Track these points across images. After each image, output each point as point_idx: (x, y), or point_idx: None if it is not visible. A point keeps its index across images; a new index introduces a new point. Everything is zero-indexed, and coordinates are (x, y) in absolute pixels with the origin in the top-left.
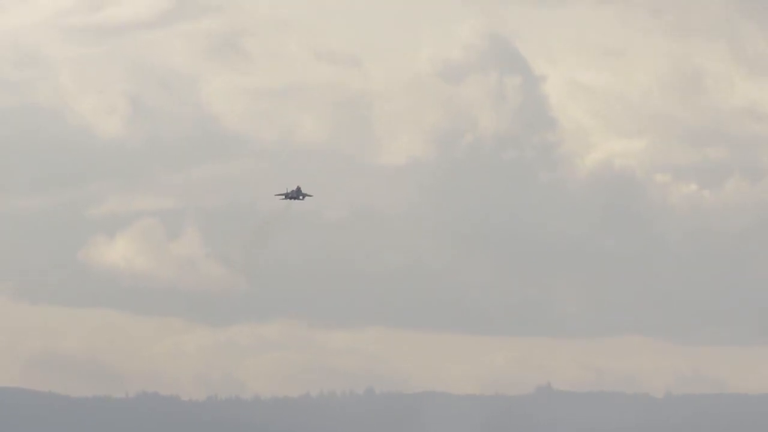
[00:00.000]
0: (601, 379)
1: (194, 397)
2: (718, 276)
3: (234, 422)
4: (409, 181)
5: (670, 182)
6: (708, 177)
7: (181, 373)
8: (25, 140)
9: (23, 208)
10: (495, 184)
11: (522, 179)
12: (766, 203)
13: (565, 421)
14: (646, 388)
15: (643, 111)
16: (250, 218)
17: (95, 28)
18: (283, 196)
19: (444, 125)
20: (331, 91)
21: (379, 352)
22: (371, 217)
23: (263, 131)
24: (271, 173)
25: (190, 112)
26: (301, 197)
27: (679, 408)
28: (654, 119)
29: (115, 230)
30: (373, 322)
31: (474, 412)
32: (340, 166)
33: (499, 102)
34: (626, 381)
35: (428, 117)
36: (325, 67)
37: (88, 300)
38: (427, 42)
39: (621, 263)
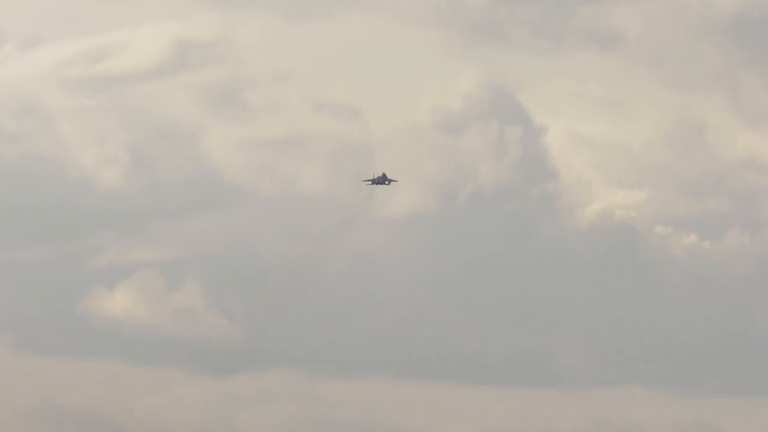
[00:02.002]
0: (602, 429)
1: None
2: (719, 327)
3: None
4: (409, 231)
5: (670, 233)
6: (709, 228)
7: (181, 424)
8: (24, 191)
9: (22, 259)
10: (495, 235)
11: (522, 230)
12: (767, 254)
13: None
14: None
15: (644, 162)
16: (251, 269)
17: (95, 79)
18: (370, 182)
19: (444, 176)
20: (331, 142)
21: (380, 403)
22: (371, 268)
23: (264, 182)
24: (272, 224)
25: (190, 163)
26: (386, 182)
27: None
28: (655, 170)
29: (115, 281)
30: (374, 373)
31: None
32: (341, 216)
33: (499, 153)
34: None
35: (428, 168)
36: (326, 118)
37: (88, 351)
38: (428, 93)
39: (621, 314)
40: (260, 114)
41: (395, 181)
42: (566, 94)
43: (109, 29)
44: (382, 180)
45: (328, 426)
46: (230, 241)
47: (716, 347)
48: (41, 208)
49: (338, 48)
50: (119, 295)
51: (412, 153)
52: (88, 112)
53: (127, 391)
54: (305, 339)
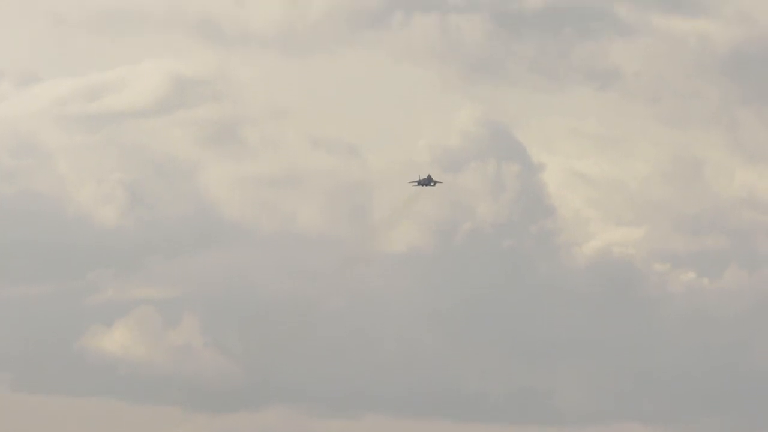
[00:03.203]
0: None
1: None
2: (717, 364)
3: None
4: (407, 269)
5: (668, 271)
6: (707, 265)
7: None
8: (21, 228)
9: (20, 296)
10: (493, 272)
11: (520, 267)
12: (765, 292)
13: None
14: None
15: (642, 199)
16: (249, 306)
17: (93, 116)
18: (416, 183)
19: (442, 213)
20: (329, 180)
21: None
22: (369, 305)
23: (261, 219)
24: (270, 261)
25: (188, 200)
26: (432, 184)
27: None
28: (653, 208)
29: (113, 318)
30: (372, 410)
31: None
32: (339, 254)
33: (497, 190)
34: None
35: (426, 206)
36: (324, 155)
37: (85, 389)
38: (425, 130)
39: (620, 351)
40: (258, 151)
41: (440, 182)
42: (564, 131)
43: (106, 66)
44: (428, 181)
45: None
46: (228, 278)
47: (715, 384)
48: (39, 245)
49: (336, 85)
50: (117, 333)
51: (410, 190)
52: (86, 149)
53: (125, 428)
54: (303, 376)
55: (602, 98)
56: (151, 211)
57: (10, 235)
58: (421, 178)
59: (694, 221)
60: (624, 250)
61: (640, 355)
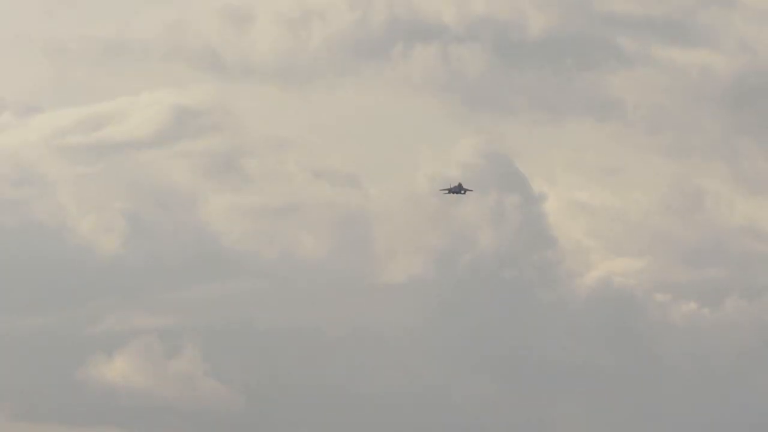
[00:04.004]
0: None
1: None
2: (718, 395)
3: None
4: (408, 299)
5: (669, 301)
6: (708, 296)
7: None
8: (23, 259)
9: (21, 327)
10: (495, 303)
11: (522, 298)
12: (766, 322)
13: None
14: None
15: (643, 230)
16: (250, 336)
17: (94, 146)
18: (447, 191)
19: (443, 244)
20: (330, 210)
21: None
22: (371, 336)
23: (262, 250)
24: (271, 292)
25: (188, 231)
26: (462, 192)
27: None
28: (653, 238)
29: (114, 348)
30: None
31: None
32: (339, 284)
33: (498, 221)
34: None
35: (427, 236)
36: (324, 186)
37: (87, 418)
38: (426, 161)
39: (620, 381)
40: (259, 181)
41: (470, 190)
42: (565, 162)
43: (107, 97)
44: (458, 189)
45: None
46: (229, 307)
47: (716, 414)
48: (40, 275)
49: (336, 116)
50: (118, 362)
51: (410, 220)
52: (87, 179)
53: None
54: (304, 406)
55: (603, 129)
56: (152, 241)
57: (11, 265)
58: (452, 186)
59: (695, 251)
60: (625, 280)
61: (641, 385)
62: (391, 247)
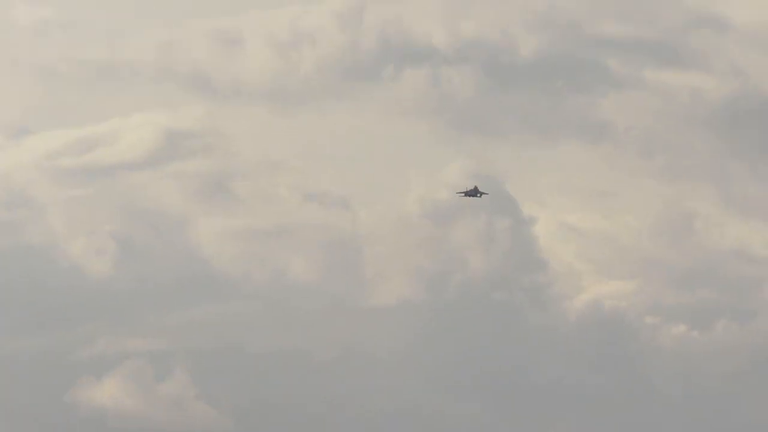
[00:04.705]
0: None
1: None
2: (708, 418)
3: None
4: (399, 322)
5: (660, 324)
6: (698, 319)
7: None
8: (13, 281)
9: (11, 349)
10: (485, 326)
11: (512, 321)
12: (756, 345)
13: None
14: None
15: (633, 253)
16: (240, 359)
17: (84, 169)
18: (463, 194)
19: (433, 267)
20: (320, 233)
21: None
22: (361, 359)
23: (253, 273)
24: (261, 314)
25: (179, 254)
26: (478, 195)
27: None
28: (644, 261)
29: (104, 371)
30: None
31: None
32: (330, 306)
33: (488, 244)
34: None
35: (417, 258)
36: (315, 209)
37: None
38: (416, 184)
39: (611, 404)
40: (249, 204)
41: (486, 194)
42: (555, 185)
43: (98, 119)
44: (474, 192)
45: None
46: (219, 330)
47: None
48: (30, 298)
49: (327, 138)
50: (108, 385)
51: (401, 243)
52: (77, 201)
53: None
54: (294, 429)
55: (594, 152)
56: (143, 264)
57: (1, 287)
58: (468, 189)
59: (686, 274)
60: (615, 303)
61: (631, 408)
62: (381, 269)
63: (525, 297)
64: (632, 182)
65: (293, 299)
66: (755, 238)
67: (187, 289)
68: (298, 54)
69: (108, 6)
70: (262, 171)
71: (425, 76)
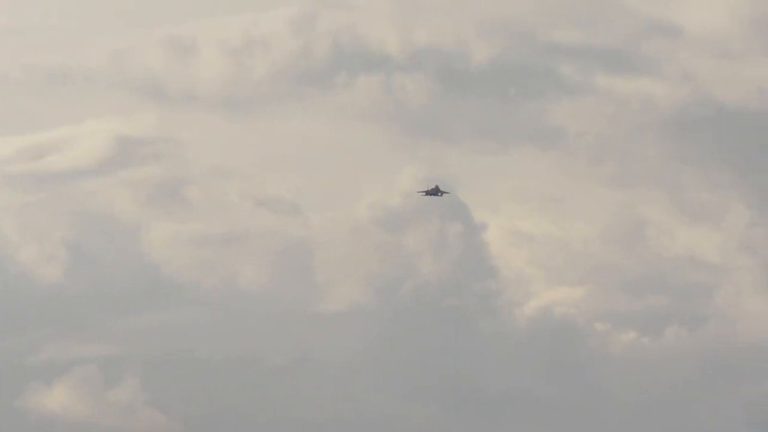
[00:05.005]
0: None
1: None
2: (659, 424)
3: None
4: (350, 328)
5: (610, 330)
6: (648, 325)
7: None
8: None
9: None
10: (436, 332)
11: (463, 327)
12: (706, 351)
13: None
14: None
15: (584, 259)
16: (190, 364)
17: (36, 176)
18: (424, 193)
19: (385, 273)
20: (272, 239)
21: None
22: (312, 364)
23: (204, 279)
24: (212, 320)
25: (130, 260)
26: (439, 194)
27: None
28: (594, 268)
29: (53, 378)
30: None
31: None
32: (281, 313)
33: (440, 250)
34: None
35: (369, 265)
36: (267, 215)
37: None
38: (368, 190)
39: (561, 410)
40: (201, 210)
41: (447, 192)
42: (507, 191)
43: (50, 126)
44: (435, 191)
45: None
46: (170, 336)
47: None
48: None
49: (279, 145)
50: (57, 391)
51: (352, 249)
52: (29, 208)
53: None
54: None
55: (546, 158)
56: (94, 270)
57: None
58: (429, 188)
59: (636, 281)
60: (565, 309)
61: (581, 414)
62: (332, 275)
63: (476, 303)
64: (584, 188)
65: (245, 305)
66: (706, 244)
67: (138, 295)
68: (251, 61)
69: (61, 13)
70: (214, 177)
71: (378, 82)
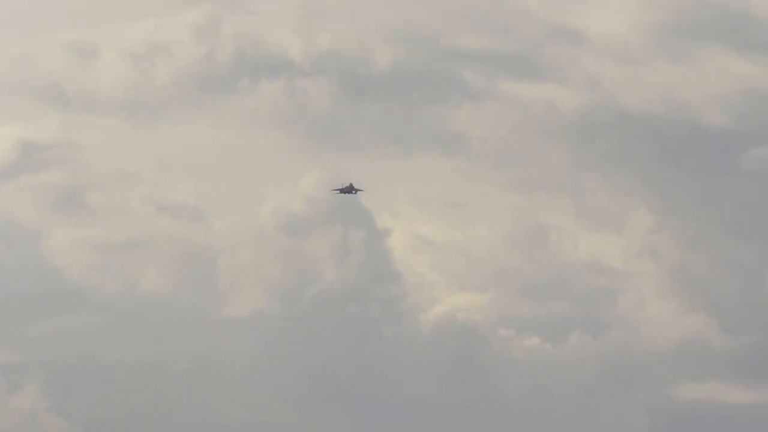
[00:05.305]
0: None
1: None
2: (562, 429)
3: None
4: (253, 334)
5: (513, 336)
6: (551, 331)
7: None
8: None
9: None
10: (339, 338)
11: (366, 333)
12: (609, 357)
13: None
14: None
15: (487, 265)
16: (92, 370)
17: None
18: (339, 191)
19: (288, 279)
20: (174, 245)
21: None
22: (215, 370)
23: (106, 285)
24: (114, 326)
25: (32, 266)
26: (353, 192)
27: None
28: (497, 273)
29: None
30: None
31: None
32: (184, 319)
33: (343, 256)
34: None
35: (272, 270)
36: (168, 221)
37: None
38: (271, 195)
39: (463, 416)
40: (103, 216)
41: (361, 190)
42: (410, 196)
43: None
44: (350, 189)
45: None
46: (72, 342)
47: None
48: None
49: (182, 150)
50: None
51: (255, 255)
52: None
53: None
54: None
55: (448, 163)
56: None
57: None
58: (343, 186)
59: (539, 286)
60: (469, 315)
61: (484, 420)
62: (235, 281)
63: (379, 309)
64: (486, 194)
65: (147, 311)
66: (608, 250)
67: (40, 301)
68: (154, 66)
69: None
70: (116, 183)
71: (281, 87)
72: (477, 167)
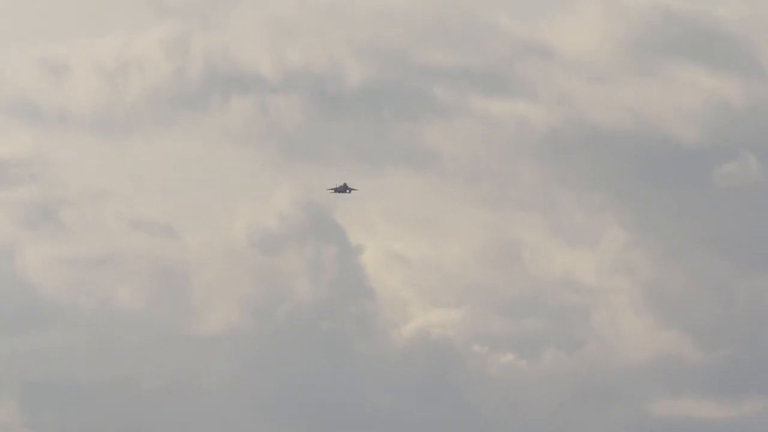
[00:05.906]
0: None
1: None
2: None
3: None
4: (226, 350)
5: (487, 352)
6: (525, 347)
7: None
8: None
9: None
10: (312, 355)
11: (339, 349)
12: (583, 374)
13: None
14: None
15: (460, 281)
16: (67, 387)
17: None
18: (333, 190)
19: (261, 295)
20: (147, 261)
21: None
22: (189, 387)
23: (80, 301)
24: (88, 343)
25: (5, 283)
26: (348, 191)
27: None
28: (471, 290)
29: None
30: None
31: None
32: (157, 335)
33: (315, 272)
34: None
35: (244, 287)
36: (141, 237)
37: None
38: (243, 212)
39: None
40: (76, 232)
41: (355, 189)
42: (382, 213)
43: None
44: (344, 189)
45: None
46: (46, 359)
47: None
48: None
49: (154, 166)
50: None
51: (228, 271)
52: None
53: None
54: None
55: (420, 180)
56: None
57: None
58: (337, 186)
59: (513, 303)
60: (442, 331)
61: None
62: (208, 297)
63: (352, 325)
64: (458, 210)
65: (120, 328)
66: (582, 266)
67: (14, 317)
68: (125, 82)
69: None
70: (88, 199)
71: (252, 104)
72: (449, 183)
